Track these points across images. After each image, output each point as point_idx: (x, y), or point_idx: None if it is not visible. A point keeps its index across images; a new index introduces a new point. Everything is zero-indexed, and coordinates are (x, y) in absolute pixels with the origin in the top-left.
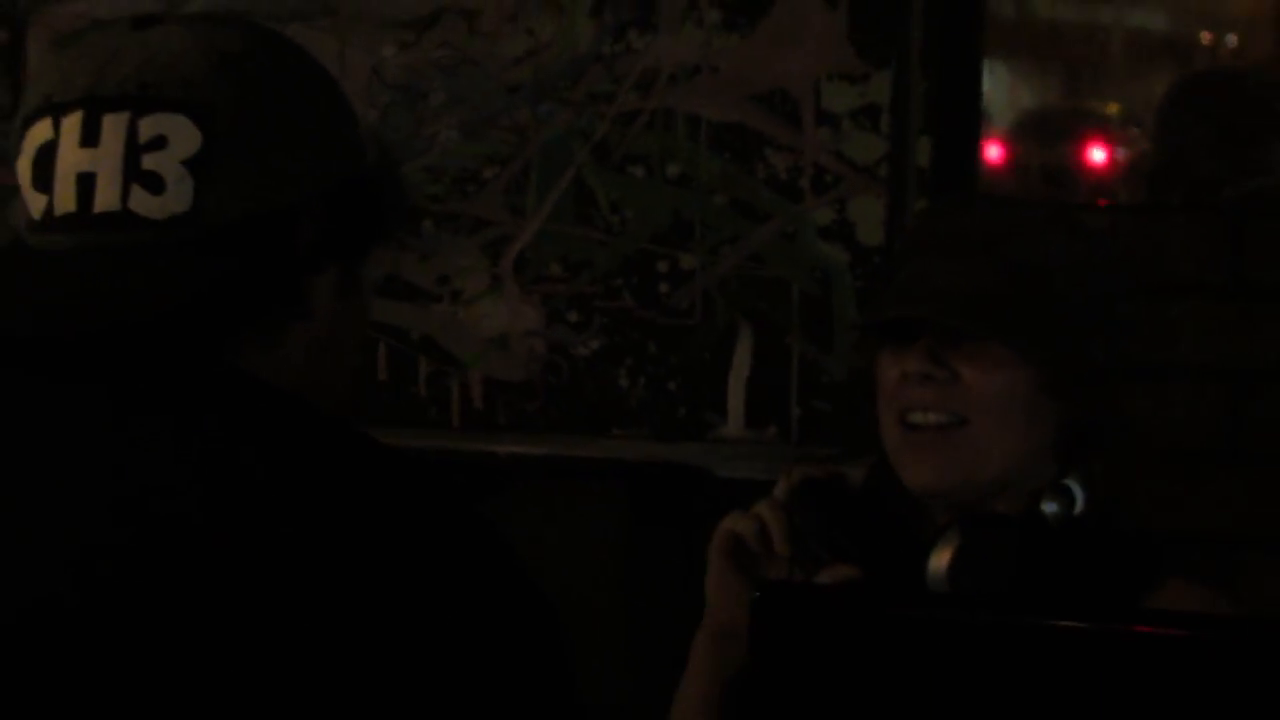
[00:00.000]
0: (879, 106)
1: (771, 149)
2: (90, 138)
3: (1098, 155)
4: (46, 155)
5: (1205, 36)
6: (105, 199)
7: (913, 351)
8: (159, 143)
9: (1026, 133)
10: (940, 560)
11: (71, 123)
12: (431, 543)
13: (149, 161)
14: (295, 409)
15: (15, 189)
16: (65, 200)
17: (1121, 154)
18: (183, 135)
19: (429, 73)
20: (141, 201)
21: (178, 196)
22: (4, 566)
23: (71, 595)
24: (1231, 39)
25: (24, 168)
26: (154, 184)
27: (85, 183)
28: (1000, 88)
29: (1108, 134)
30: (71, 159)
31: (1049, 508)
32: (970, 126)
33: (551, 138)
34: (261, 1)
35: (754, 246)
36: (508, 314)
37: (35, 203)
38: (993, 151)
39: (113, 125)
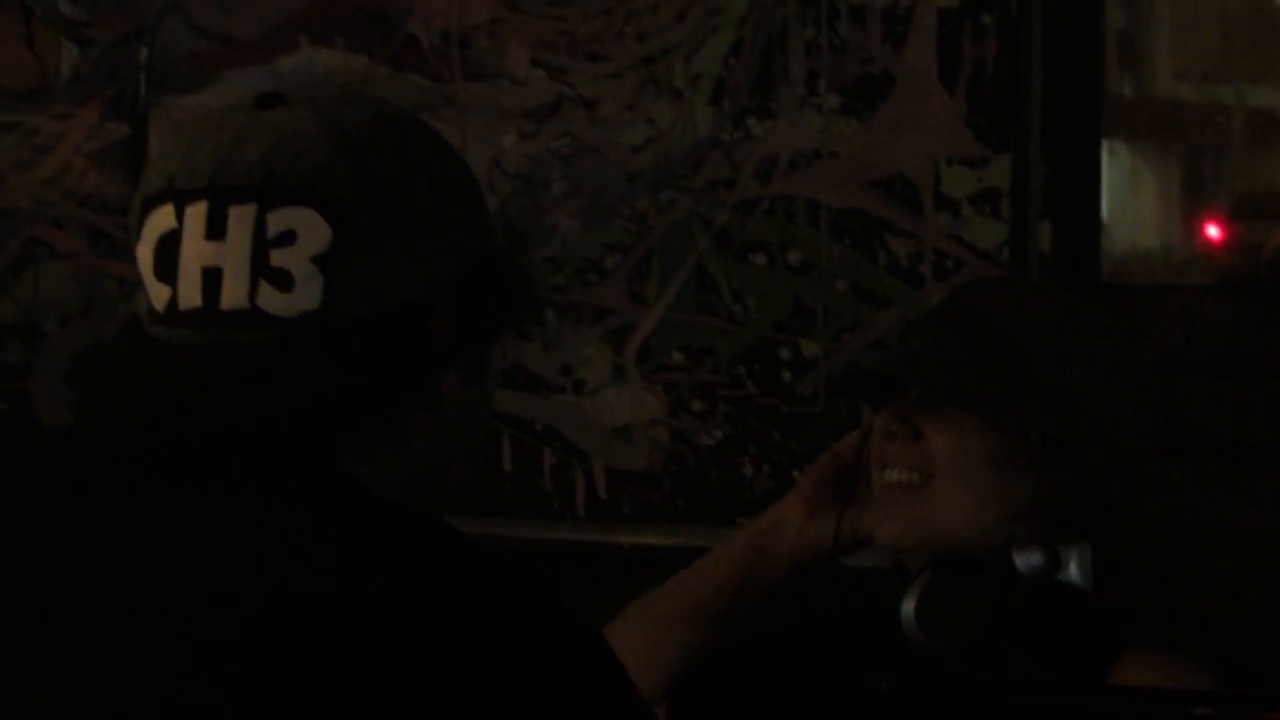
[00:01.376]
0: (999, 191)
1: (892, 234)
2: (216, 230)
3: None
4: (170, 245)
5: None
6: (233, 296)
7: (884, 409)
8: (288, 238)
9: (1244, 214)
10: (910, 605)
11: (196, 213)
12: (526, 648)
13: (277, 258)
14: (396, 517)
15: (137, 281)
16: (190, 295)
17: None
18: (311, 230)
19: (549, 162)
20: (270, 299)
21: (307, 294)
22: (132, 667)
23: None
24: None
25: (145, 255)
26: (283, 281)
27: (211, 278)
28: (1120, 170)
29: None
30: (197, 251)
31: (1024, 563)
32: (1090, 209)
33: (672, 225)
34: (383, 92)
35: (876, 332)
36: (631, 403)
37: (158, 293)
38: (1212, 231)
39: (239, 218)
